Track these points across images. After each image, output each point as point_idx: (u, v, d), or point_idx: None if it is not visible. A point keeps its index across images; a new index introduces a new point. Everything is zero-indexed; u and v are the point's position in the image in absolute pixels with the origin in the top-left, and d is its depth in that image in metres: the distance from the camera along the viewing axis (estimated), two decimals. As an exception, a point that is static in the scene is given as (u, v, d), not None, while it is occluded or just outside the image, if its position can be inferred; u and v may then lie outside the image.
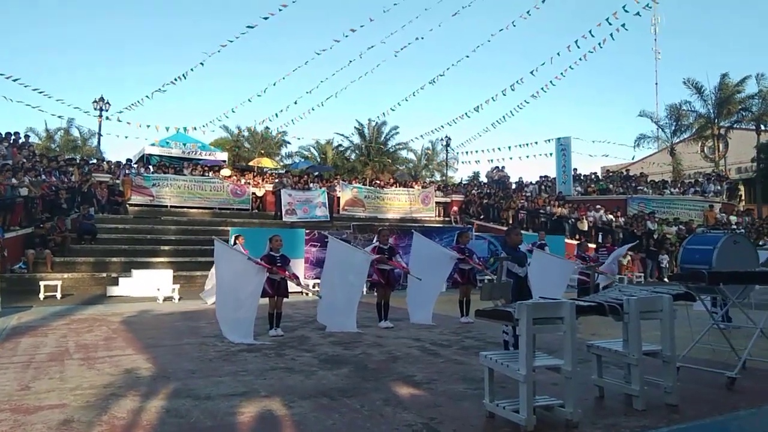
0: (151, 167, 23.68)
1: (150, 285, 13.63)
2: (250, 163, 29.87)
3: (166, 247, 17.89)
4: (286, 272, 8.27)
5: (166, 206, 21.07)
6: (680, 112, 36.66)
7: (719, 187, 29.57)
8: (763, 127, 34.54)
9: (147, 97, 24.06)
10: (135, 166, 23.06)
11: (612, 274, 12.77)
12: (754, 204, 35.25)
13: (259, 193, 23.14)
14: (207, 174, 23.25)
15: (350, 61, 23.46)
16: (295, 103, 24.74)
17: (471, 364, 6.15)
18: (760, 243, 19.70)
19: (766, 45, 70.09)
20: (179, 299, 13.30)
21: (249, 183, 23.46)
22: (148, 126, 24.80)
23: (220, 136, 39.99)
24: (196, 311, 11.35)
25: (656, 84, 73.46)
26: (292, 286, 8.94)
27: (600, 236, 22.63)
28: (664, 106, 39.09)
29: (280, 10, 20.70)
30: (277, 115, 26.47)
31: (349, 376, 5.73)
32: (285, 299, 8.52)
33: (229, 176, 23.92)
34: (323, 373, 5.82)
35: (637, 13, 18.83)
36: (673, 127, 37.48)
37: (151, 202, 20.91)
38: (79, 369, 6.07)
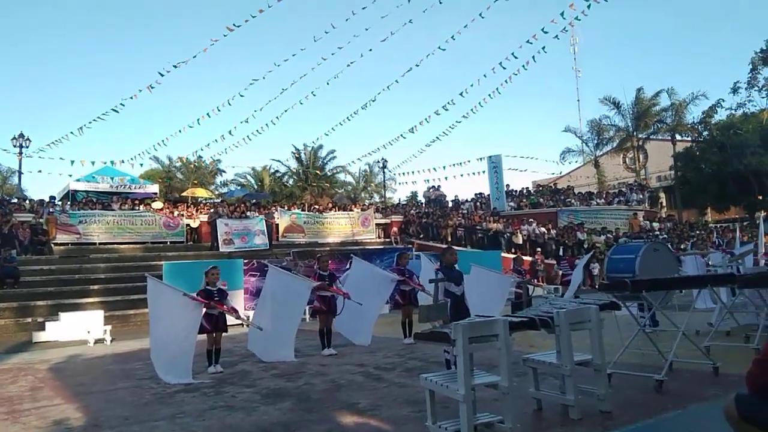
0: (77, 204, 22.64)
1: (79, 328, 12.94)
2: (183, 194, 29.10)
3: (96, 287, 17.09)
4: (224, 306, 8.07)
5: (95, 243, 20.18)
6: (601, 126, 38.68)
7: (641, 196, 31.22)
8: (678, 138, 36.92)
9: (72, 133, 23.12)
10: (59, 203, 22.00)
11: (580, 285, 13.27)
12: (674, 210, 37.47)
13: (194, 224, 22.53)
14: (137, 207, 22.48)
15: (283, 90, 23.43)
16: (230, 133, 24.39)
17: (415, 387, 6.16)
18: (682, 247, 20.87)
19: (677, 60, 75.26)
20: (112, 341, 12.70)
21: (182, 214, 22.83)
22: (73, 162, 23.69)
23: (151, 168, 38.86)
24: (129, 353, 10.86)
25: (578, 100, 77.25)
26: (231, 320, 8.72)
27: (534, 248, 23.38)
28: (586, 122, 41.11)
29: (212, 43, 20.40)
30: (209, 145, 26.05)
31: (292, 409, 5.63)
32: (224, 334, 8.31)
33: (161, 209, 23.20)
34: (265, 409, 5.69)
35: (556, 36, 19.84)
36: (595, 141, 39.46)
37: (78, 240, 19.97)
38: (2, 425, 5.67)
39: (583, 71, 71.00)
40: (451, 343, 4.27)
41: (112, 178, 26.75)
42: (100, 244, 20.25)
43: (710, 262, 12.26)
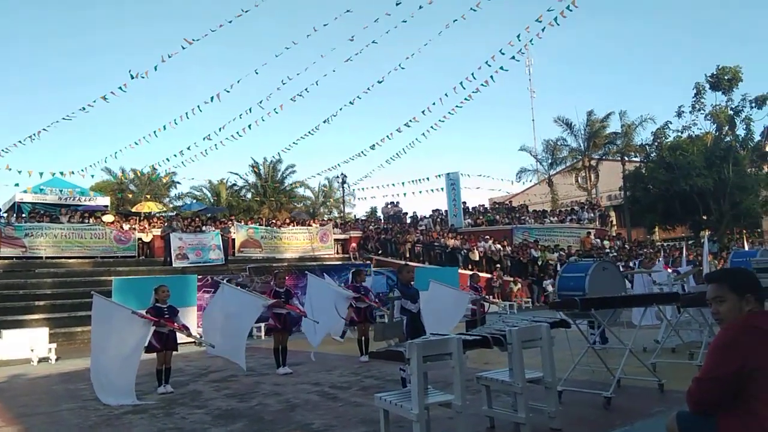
0: (23, 216, 21.74)
1: (23, 346, 12.39)
2: (134, 209, 28.32)
3: (41, 303, 16.40)
4: (175, 324, 7.87)
5: (41, 257, 19.40)
6: (555, 146, 39.81)
7: (592, 215, 32.17)
8: (627, 158, 38.31)
9: (21, 142, 22.19)
10: (5, 215, 21.10)
11: None
12: (623, 228, 38.75)
13: (146, 238, 21.94)
14: (87, 220, 21.74)
15: (248, 110, 22.97)
16: (189, 149, 23.82)
17: (370, 406, 6.13)
18: (631, 265, 21.54)
19: (628, 83, 78.31)
20: (57, 359, 12.20)
21: (134, 228, 22.21)
22: (20, 171, 22.71)
23: (103, 180, 37.75)
24: (75, 372, 10.44)
25: (533, 120, 79.43)
26: (182, 338, 8.51)
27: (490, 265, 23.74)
28: (541, 141, 42.27)
29: (169, 56, 20.01)
30: (168, 159, 25.39)
31: (244, 431, 5.52)
32: (174, 352, 8.10)
33: (112, 222, 22.51)
34: (216, 431, 5.56)
35: (513, 57, 20.33)
36: (549, 160, 40.53)
37: (23, 253, 19.15)
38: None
39: (540, 92, 73.35)
40: (406, 362, 4.29)
41: (60, 190, 25.81)
42: (46, 258, 19.48)
43: (656, 281, 12.69)
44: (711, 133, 34.07)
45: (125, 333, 7.32)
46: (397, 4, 18.69)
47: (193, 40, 19.26)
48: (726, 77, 32.87)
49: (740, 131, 33.85)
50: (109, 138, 67.19)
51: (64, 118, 21.64)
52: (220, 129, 22.55)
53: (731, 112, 33.42)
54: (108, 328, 7.37)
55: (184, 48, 19.44)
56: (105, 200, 28.62)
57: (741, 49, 68.45)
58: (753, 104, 32.78)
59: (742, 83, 33.02)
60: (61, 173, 25.26)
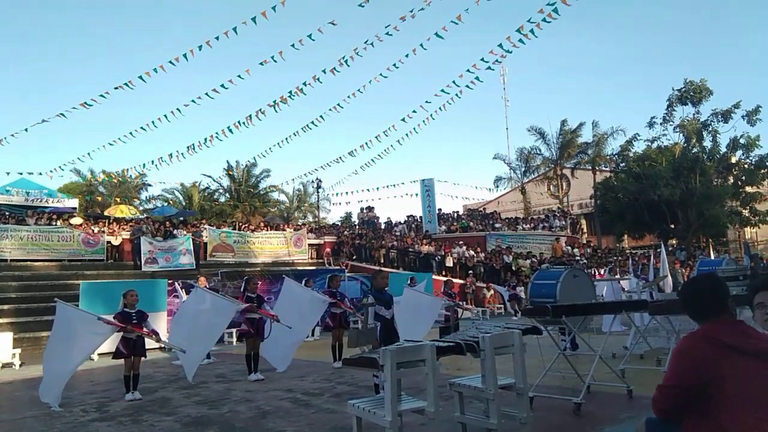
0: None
1: (-16, 351, 12.02)
2: (105, 213, 27.72)
3: (5, 306, 15.92)
4: (144, 329, 7.73)
5: (6, 260, 18.83)
6: (529, 155, 40.36)
7: (564, 222, 32.66)
8: (598, 168, 39.04)
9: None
10: (-33, 216, 20.47)
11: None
12: (594, 236, 39.42)
13: (115, 241, 21.50)
14: (54, 223, 21.23)
15: (239, 122, 22.57)
16: (172, 155, 23.28)
17: (343, 412, 6.10)
18: (601, 272, 21.90)
19: (601, 94, 79.87)
20: (21, 365, 11.88)
21: (103, 231, 21.76)
22: (-15, 173, 22.10)
23: (71, 181, 36.94)
24: (40, 378, 10.08)
25: (507, 129, 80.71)
26: (151, 343, 8.36)
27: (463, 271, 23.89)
28: (515, 149, 42.83)
29: (155, 71, 19.51)
30: (144, 165, 24.79)
31: (215, 438, 5.44)
32: (143, 358, 7.94)
33: (80, 224, 22.02)
34: (186, 438, 5.47)
35: (489, 67, 20.55)
36: (523, 169, 41.07)
37: (-13, 256, 18.61)
38: None
39: (516, 101, 74.27)
40: (379, 369, 4.28)
41: (27, 191, 25.20)
42: (11, 260, 18.94)
43: (625, 288, 12.95)
44: (679, 144, 34.90)
45: (86, 340, 7.16)
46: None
47: (183, 56, 18.77)
48: (692, 91, 33.74)
49: (707, 143, 34.74)
50: (81, 140, 65.93)
51: (40, 123, 21.05)
52: (205, 140, 22.04)
53: (700, 125, 34.29)
54: (69, 336, 7.19)
55: (173, 63, 18.95)
56: (73, 202, 28.01)
57: (712, 62, 70.45)
58: (720, 118, 33.69)
59: (713, 96, 33.95)
60: (29, 173, 24.71)
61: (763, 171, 33.82)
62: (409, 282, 13.76)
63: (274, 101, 21.27)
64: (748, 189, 34.44)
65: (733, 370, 2.42)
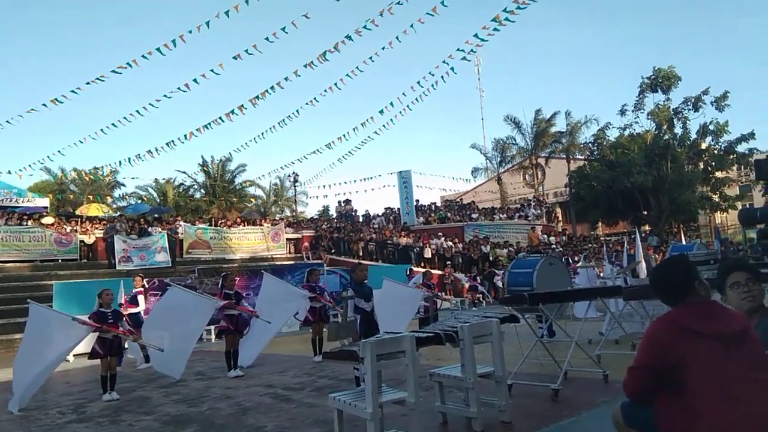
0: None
1: (-46, 356, 11.72)
2: (78, 211, 27.19)
3: (-25, 310, 15.55)
4: (120, 329, 7.62)
5: (-25, 262, 18.41)
6: (504, 144, 40.65)
7: (539, 211, 33.04)
8: (572, 157, 39.51)
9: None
10: (-67, 218, 19.89)
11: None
12: (569, 224, 39.96)
13: (89, 240, 21.11)
14: (26, 223, 20.75)
15: (216, 119, 22.16)
16: (150, 151, 22.82)
17: (324, 406, 6.08)
18: (576, 259, 22.25)
19: (574, 84, 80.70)
20: (-7, 369, 11.60)
21: (76, 230, 21.35)
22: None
23: (42, 180, 36.14)
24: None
25: (482, 119, 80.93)
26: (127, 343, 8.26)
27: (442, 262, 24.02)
28: (491, 140, 43.09)
29: (129, 64, 19.02)
30: (120, 163, 24.24)
31: (195, 436, 5.40)
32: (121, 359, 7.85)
33: (52, 224, 21.56)
34: (165, 437, 5.42)
35: (464, 58, 20.58)
36: (499, 159, 41.36)
37: (-46, 258, 18.13)
38: None
39: (492, 91, 74.66)
40: (360, 361, 4.29)
41: (-5, 191, 24.61)
42: (-20, 262, 18.50)
43: (601, 274, 13.17)
44: (651, 131, 35.46)
45: (61, 341, 7.04)
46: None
47: (155, 49, 18.35)
48: (660, 78, 34.24)
49: (678, 130, 35.34)
50: (51, 138, 64.43)
51: (8, 122, 20.51)
52: (183, 140, 21.62)
53: (671, 113, 34.83)
54: (43, 338, 7.07)
55: (146, 57, 18.52)
56: (44, 201, 27.46)
57: (682, 49, 71.62)
58: (690, 105, 34.23)
59: (681, 82, 34.48)
60: (-3, 172, 24.09)
61: (732, 156, 34.57)
62: (409, 272, 13.76)
63: (257, 96, 21.01)
64: (718, 174, 35.16)
65: (696, 353, 2.48)
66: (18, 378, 7.12)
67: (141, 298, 9.73)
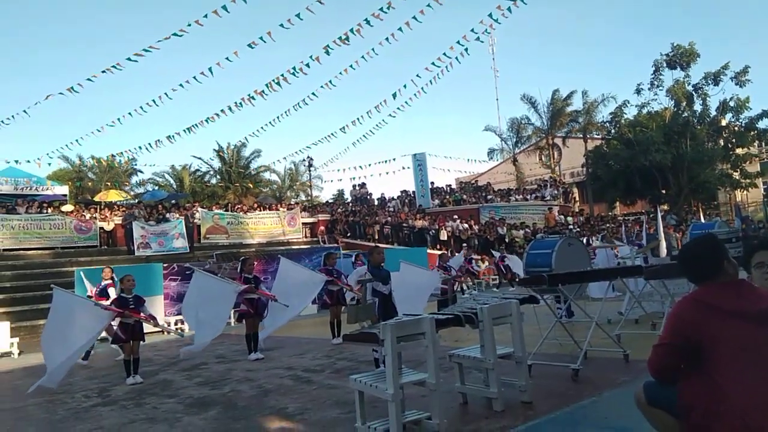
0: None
1: (-18, 342, 12.02)
2: (96, 197, 27.53)
3: (1, 296, 15.89)
4: (141, 314, 7.73)
5: (-2, 250, 18.77)
6: (520, 125, 40.23)
7: (556, 191, 32.74)
8: (589, 136, 38.99)
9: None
10: (-43, 207, 20.27)
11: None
12: (586, 204, 39.58)
13: (108, 227, 21.40)
14: (46, 210, 21.07)
15: (230, 107, 22.19)
16: (165, 139, 22.97)
17: (344, 388, 6.16)
18: (593, 240, 22.04)
19: (591, 62, 79.33)
20: (20, 354, 11.89)
21: (95, 217, 21.63)
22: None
23: (60, 168, 36.60)
24: (40, 366, 10.08)
25: (497, 100, 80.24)
26: (149, 327, 8.38)
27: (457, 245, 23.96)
28: (507, 120, 42.65)
29: (139, 53, 19.06)
30: (138, 148, 24.56)
31: (218, 418, 5.48)
32: (142, 342, 7.97)
33: (72, 211, 21.87)
34: (189, 419, 5.51)
35: (478, 38, 20.38)
36: (514, 139, 40.97)
37: (-22, 246, 18.49)
38: None
39: (507, 71, 73.71)
40: (380, 343, 4.30)
41: (16, 180, 24.98)
42: (4, 250, 18.84)
43: (619, 255, 13.04)
44: (669, 108, 34.81)
45: (85, 326, 7.16)
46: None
47: (171, 35, 18.35)
48: (680, 55, 33.50)
49: (697, 107, 34.65)
50: (69, 126, 65.06)
51: (24, 111, 20.73)
52: (200, 122, 21.68)
53: (691, 89, 34.13)
54: (68, 321, 7.20)
55: (153, 47, 18.56)
56: (63, 189, 27.82)
57: (701, 24, 69.91)
58: (710, 81, 33.48)
59: (700, 58, 33.73)
60: (17, 162, 24.46)
61: (753, 133, 33.86)
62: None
63: (274, 80, 20.99)
64: (739, 151, 34.48)
65: (722, 331, 2.45)
66: (48, 356, 7.25)
67: (111, 290, 9.59)
